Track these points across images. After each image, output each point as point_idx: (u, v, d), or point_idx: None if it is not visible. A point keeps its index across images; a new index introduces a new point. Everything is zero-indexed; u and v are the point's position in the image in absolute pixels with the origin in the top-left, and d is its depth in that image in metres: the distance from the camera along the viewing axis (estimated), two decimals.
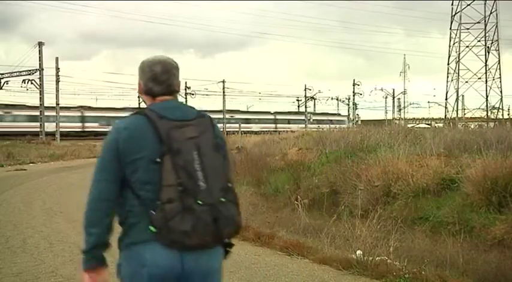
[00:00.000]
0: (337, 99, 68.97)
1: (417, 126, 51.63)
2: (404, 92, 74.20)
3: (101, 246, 2.32)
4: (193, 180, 2.21)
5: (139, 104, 60.22)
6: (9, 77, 46.10)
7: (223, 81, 59.44)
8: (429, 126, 50.63)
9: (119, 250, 2.33)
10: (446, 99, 54.28)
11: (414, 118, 72.08)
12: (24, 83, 45.46)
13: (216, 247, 2.32)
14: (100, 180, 2.31)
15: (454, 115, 52.83)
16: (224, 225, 2.24)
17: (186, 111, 2.40)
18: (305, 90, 65.72)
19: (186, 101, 58.12)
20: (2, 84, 46.00)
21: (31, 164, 24.85)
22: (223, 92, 59.36)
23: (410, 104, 75.70)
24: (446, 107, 54.46)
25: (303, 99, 65.87)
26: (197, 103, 60.72)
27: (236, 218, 2.33)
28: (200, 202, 2.18)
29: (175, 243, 2.18)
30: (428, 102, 74.62)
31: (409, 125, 46.17)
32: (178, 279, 2.26)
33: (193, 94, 59.25)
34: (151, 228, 2.18)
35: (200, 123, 2.36)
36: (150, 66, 2.43)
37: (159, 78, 2.40)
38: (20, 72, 45.69)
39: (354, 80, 66.86)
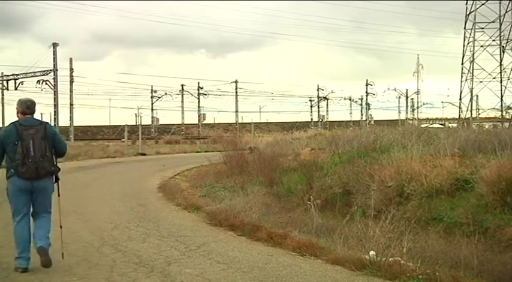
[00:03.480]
0: (350, 100, 68.58)
1: (431, 126, 51.27)
2: (417, 92, 73.76)
3: None
4: (29, 151, 5.62)
5: (152, 104, 60.90)
6: (24, 77, 46.62)
7: (236, 82, 59.57)
8: (443, 127, 50.25)
9: (6, 180, 5.79)
10: (460, 99, 53.74)
11: (428, 118, 71.49)
12: (39, 83, 45.95)
13: (48, 178, 5.84)
14: None
15: (468, 115, 52.33)
16: (41, 170, 5.71)
17: (32, 123, 5.84)
18: (318, 90, 65.55)
19: (198, 101, 58.97)
20: (17, 85, 46.51)
21: None
22: (236, 93, 59.50)
23: (424, 104, 75.04)
24: (460, 107, 53.90)
25: (316, 100, 65.60)
26: (209, 103, 60.97)
27: (47, 167, 5.76)
28: (30, 160, 5.64)
29: (21, 177, 5.65)
30: (442, 102, 74.07)
31: (423, 125, 45.95)
32: (31, 192, 5.76)
33: (205, 94, 59.52)
34: (12, 170, 5.69)
35: (38, 128, 5.77)
36: (25, 102, 5.97)
37: (30, 107, 5.93)
38: (35, 73, 46.19)
39: (366, 80, 66.73)
